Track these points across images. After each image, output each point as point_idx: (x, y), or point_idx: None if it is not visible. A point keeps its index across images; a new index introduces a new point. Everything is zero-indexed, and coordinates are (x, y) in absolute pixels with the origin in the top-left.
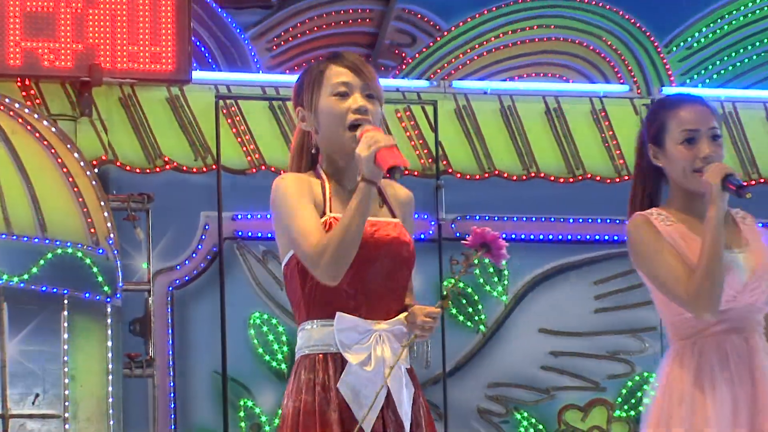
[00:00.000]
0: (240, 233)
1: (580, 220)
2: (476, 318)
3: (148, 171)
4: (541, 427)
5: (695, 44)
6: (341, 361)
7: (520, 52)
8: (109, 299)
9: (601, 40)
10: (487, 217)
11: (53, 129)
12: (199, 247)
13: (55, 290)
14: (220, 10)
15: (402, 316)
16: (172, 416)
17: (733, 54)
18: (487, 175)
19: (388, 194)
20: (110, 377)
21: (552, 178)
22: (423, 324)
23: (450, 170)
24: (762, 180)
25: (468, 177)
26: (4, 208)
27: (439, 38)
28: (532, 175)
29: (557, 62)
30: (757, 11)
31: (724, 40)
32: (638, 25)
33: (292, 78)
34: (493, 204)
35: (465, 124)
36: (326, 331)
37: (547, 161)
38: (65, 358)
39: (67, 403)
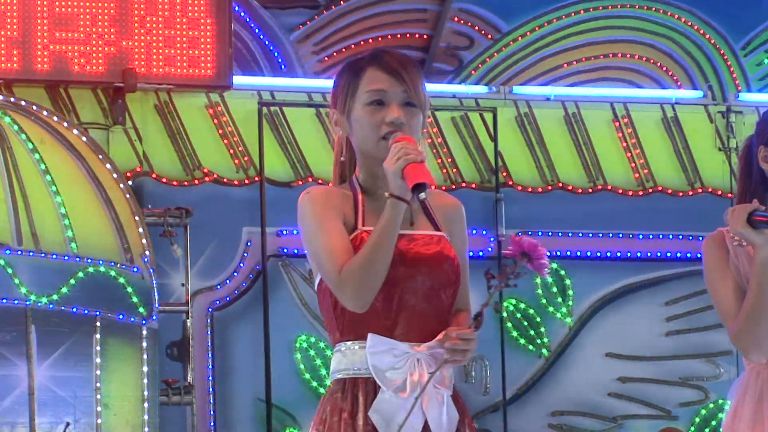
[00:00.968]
0: (285, 250)
1: (651, 236)
2: (538, 341)
3: (186, 183)
4: None
5: None
6: (374, 386)
7: (586, 55)
8: (144, 321)
9: (674, 42)
10: (550, 233)
11: (84, 138)
12: (241, 265)
13: (86, 312)
14: (263, 10)
15: (439, 337)
16: None
17: None
18: (550, 187)
19: (433, 204)
20: (146, 405)
21: (620, 191)
22: (452, 346)
23: (510, 182)
24: None
25: (530, 190)
26: (31, 223)
27: (498, 40)
28: (599, 187)
29: (626, 66)
30: None
31: None
32: (713, 26)
33: None
34: (556, 219)
35: (526, 133)
36: (359, 354)
37: (614, 173)
38: (98, 385)
39: None
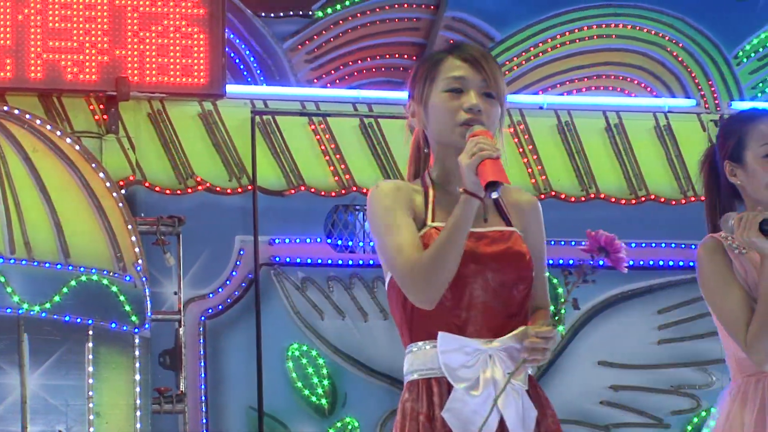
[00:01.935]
0: (277, 259)
1: (643, 245)
2: None
3: (178, 192)
4: None
5: (767, 56)
6: (447, 386)
7: (579, 64)
8: (136, 329)
9: (666, 50)
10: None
11: (77, 147)
12: (234, 273)
13: (79, 320)
14: (255, 19)
15: (515, 334)
16: None
17: None
18: (543, 196)
19: (507, 201)
20: (138, 413)
21: (613, 200)
22: (531, 345)
23: None
24: None
25: None
26: (24, 232)
27: (491, 49)
28: (592, 196)
29: (618, 75)
30: None
31: None
32: (706, 34)
33: (333, 92)
34: (549, 227)
35: (519, 141)
36: (431, 353)
37: (607, 181)
38: (90, 393)
39: None
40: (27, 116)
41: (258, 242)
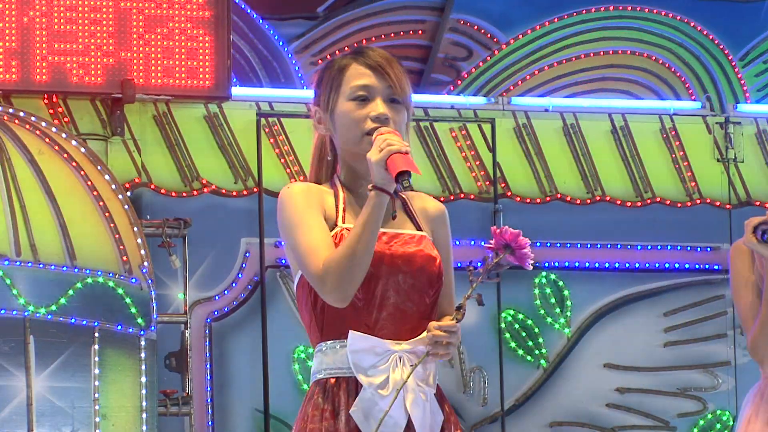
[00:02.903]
0: (283, 261)
1: (649, 247)
2: (536, 352)
3: (184, 194)
4: None
5: None
6: (355, 385)
7: (585, 66)
8: (142, 332)
9: (672, 53)
10: (548, 244)
11: (83, 149)
12: (240, 275)
13: (84, 322)
14: (261, 21)
15: (425, 333)
16: None
17: None
18: (548, 198)
19: (415, 207)
20: (144, 415)
21: (618, 202)
22: (435, 338)
23: (509, 193)
24: None
25: (528, 201)
26: (30, 234)
27: (497, 51)
28: (597, 198)
29: (624, 77)
30: None
31: None
32: (711, 37)
33: None
34: (555, 230)
35: (525, 144)
36: (341, 353)
37: (613, 184)
38: (96, 395)
39: None
40: (32, 118)
41: (264, 244)
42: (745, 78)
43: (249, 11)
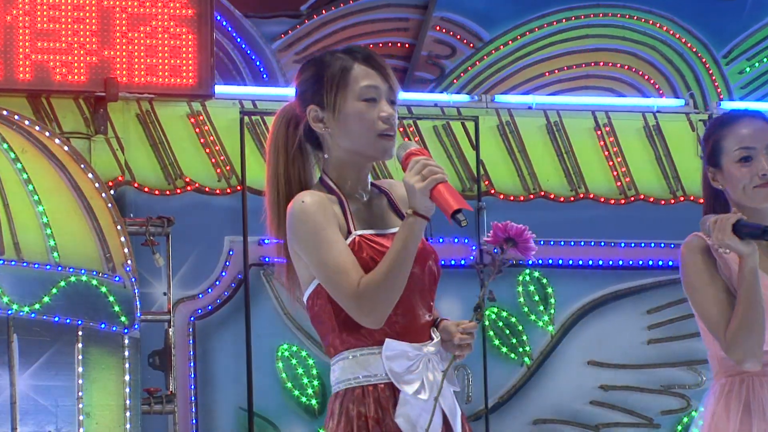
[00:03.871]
0: (267, 259)
1: (632, 245)
2: (520, 349)
3: (167, 193)
4: None
5: (756, 55)
6: (392, 391)
7: (568, 63)
8: (126, 330)
9: (655, 50)
10: (532, 241)
11: (66, 148)
12: (223, 273)
13: (68, 321)
14: (244, 19)
15: (441, 332)
16: None
17: None
18: (532, 196)
19: (397, 196)
20: (128, 414)
21: (602, 200)
22: (461, 341)
23: (492, 191)
24: None
25: (512, 198)
26: (13, 232)
27: (480, 49)
28: (581, 196)
29: (607, 75)
30: None
31: None
32: (695, 34)
33: None
34: (538, 227)
35: (508, 142)
36: (373, 359)
37: (596, 181)
38: (80, 394)
39: None
40: (16, 117)
41: (247, 242)
42: (729, 75)
43: (232, 9)
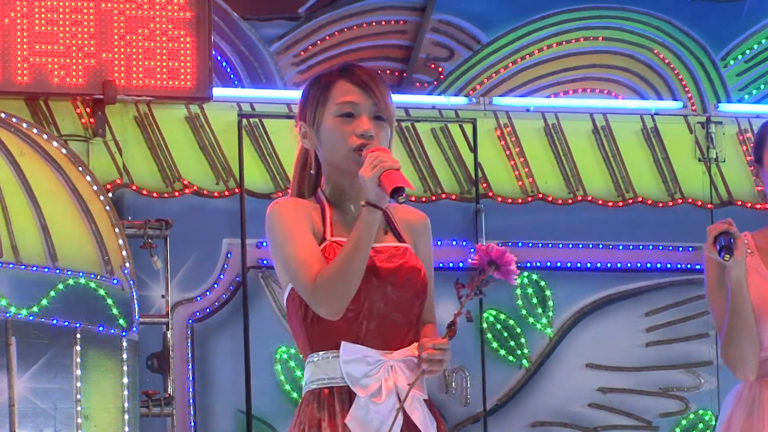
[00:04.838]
0: (265, 261)
1: (631, 247)
2: (518, 352)
3: (166, 195)
4: None
5: (754, 57)
6: (349, 394)
7: (566, 66)
8: (124, 333)
9: (653, 53)
10: (530, 244)
11: (64, 150)
12: (221, 276)
13: (66, 323)
14: (242, 22)
15: (413, 346)
16: None
17: None
18: (530, 198)
19: (397, 218)
20: (126, 416)
21: (600, 202)
22: (429, 356)
23: (490, 194)
24: None
25: (510, 201)
26: (11, 235)
27: (478, 52)
28: (579, 198)
29: (605, 77)
30: None
31: None
32: (692, 36)
33: None
34: (536, 230)
35: (506, 144)
36: (333, 363)
37: (594, 184)
38: (78, 396)
39: None
40: (13, 120)
41: (246, 245)
42: (727, 77)
43: (230, 12)
